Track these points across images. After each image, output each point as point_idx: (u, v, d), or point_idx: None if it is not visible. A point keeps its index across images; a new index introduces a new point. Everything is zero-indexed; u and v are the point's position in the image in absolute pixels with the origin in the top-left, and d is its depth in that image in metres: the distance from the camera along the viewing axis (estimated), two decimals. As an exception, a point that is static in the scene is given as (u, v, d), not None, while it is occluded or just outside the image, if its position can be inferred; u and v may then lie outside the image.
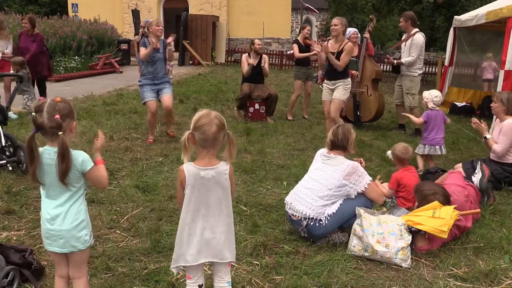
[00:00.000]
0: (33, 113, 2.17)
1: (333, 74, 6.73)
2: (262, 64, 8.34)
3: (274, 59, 21.59)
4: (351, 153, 3.72)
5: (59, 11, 26.62)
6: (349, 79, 6.76)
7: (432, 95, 5.39)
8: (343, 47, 6.54)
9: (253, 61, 8.22)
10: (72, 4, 25.44)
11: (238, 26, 28.79)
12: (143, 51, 6.26)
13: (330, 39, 6.82)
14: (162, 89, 6.46)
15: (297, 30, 34.90)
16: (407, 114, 6.07)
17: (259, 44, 8.37)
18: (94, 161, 2.31)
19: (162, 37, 6.57)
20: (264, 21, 27.38)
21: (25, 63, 7.83)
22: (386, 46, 31.69)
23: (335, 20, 6.63)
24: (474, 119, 5.11)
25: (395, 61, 7.65)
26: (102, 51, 18.90)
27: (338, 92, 6.65)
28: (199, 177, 2.28)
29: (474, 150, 6.66)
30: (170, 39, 6.68)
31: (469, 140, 7.29)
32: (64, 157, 2.13)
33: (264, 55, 8.51)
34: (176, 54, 20.73)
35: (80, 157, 2.21)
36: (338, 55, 6.57)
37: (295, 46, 8.68)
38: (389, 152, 4.64)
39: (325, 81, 7.00)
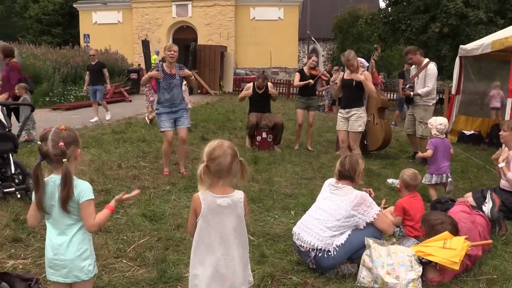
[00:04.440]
0: (39, 142, 2.22)
1: (348, 102, 6.80)
2: (269, 91, 8.41)
3: (281, 88, 21.75)
4: (359, 183, 3.69)
5: (71, 42, 27.21)
6: (364, 108, 6.81)
7: (437, 122, 5.32)
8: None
9: (249, 89, 8.43)
10: (84, 35, 26.12)
11: (245, 56, 29.20)
12: (146, 75, 6.36)
13: (335, 69, 7.01)
14: (179, 118, 6.30)
15: (304, 60, 35.28)
16: (420, 155, 5.91)
17: (260, 84, 8.42)
18: (106, 205, 2.34)
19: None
20: (271, 51, 27.74)
21: (27, 88, 7.99)
22: (392, 76, 31.84)
23: (349, 61, 6.87)
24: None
25: (412, 93, 7.59)
26: (112, 81, 19.14)
27: (353, 125, 6.76)
28: (215, 205, 2.29)
29: (484, 179, 6.57)
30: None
31: (478, 168, 7.20)
32: (66, 184, 2.15)
33: (268, 83, 8.59)
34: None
35: (80, 186, 2.22)
36: (356, 83, 6.73)
37: (297, 75, 8.71)
38: (390, 180, 4.54)
39: (340, 110, 7.06)
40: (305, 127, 8.79)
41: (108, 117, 11.94)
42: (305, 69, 8.69)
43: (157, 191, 5.52)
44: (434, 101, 7.70)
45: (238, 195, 2.35)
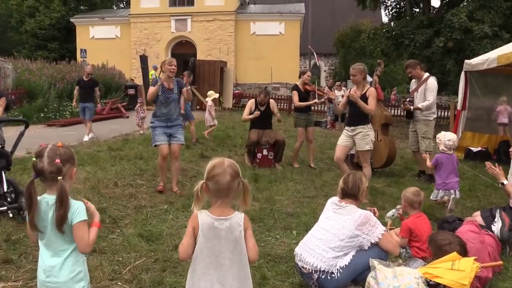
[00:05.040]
0: (34, 159, 2.19)
1: (353, 120, 6.68)
2: (271, 109, 8.29)
3: (282, 104, 21.71)
4: (363, 202, 3.59)
5: (68, 56, 27.10)
6: (370, 125, 6.69)
7: (445, 138, 5.26)
8: (366, 92, 6.56)
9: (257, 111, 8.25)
10: (81, 50, 26.08)
11: (245, 71, 29.20)
12: (151, 89, 6.08)
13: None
14: (174, 134, 6.18)
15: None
16: (425, 155, 5.87)
17: (262, 100, 8.32)
18: (90, 223, 2.27)
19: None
20: (272, 66, 27.75)
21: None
22: (396, 91, 31.95)
23: (353, 71, 6.68)
24: (488, 164, 4.89)
25: (412, 107, 7.50)
26: (109, 96, 19.10)
27: (360, 143, 6.59)
28: (213, 227, 2.22)
29: (492, 197, 6.41)
30: (185, 79, 6.62)
31: (486, 186, 7.04)
32: (62, 203, 2.11)
33: (271, 100, 8.46)
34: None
35: (73, 206, 2.17)
36: (363, 100, 6.62)
37: (295, 94, 8.42)
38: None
39: (345, 127, 6.92)
40: (305, 144, 8.67)
41: (86, 138, 10.93)
42: (299, 85, 8.46)
43: (154, 210, 5.39)
44: (435, 115, 7.62)
45: (237, 217, 2.27)
